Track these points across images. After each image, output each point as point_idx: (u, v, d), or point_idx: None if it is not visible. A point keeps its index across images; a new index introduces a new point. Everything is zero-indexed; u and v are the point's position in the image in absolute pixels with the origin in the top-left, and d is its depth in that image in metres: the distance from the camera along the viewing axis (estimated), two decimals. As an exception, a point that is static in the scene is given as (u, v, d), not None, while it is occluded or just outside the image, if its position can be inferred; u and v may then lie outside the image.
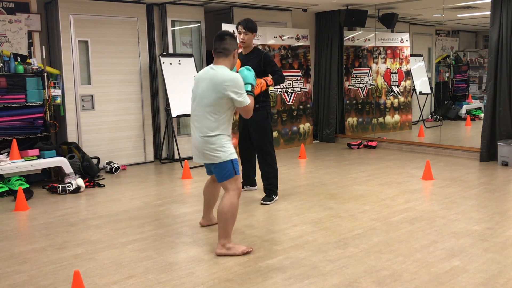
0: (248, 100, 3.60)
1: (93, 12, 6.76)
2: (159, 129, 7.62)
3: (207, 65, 4.18)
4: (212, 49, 3.73)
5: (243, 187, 5.48)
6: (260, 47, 7.98)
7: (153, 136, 7.57)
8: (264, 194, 5.16)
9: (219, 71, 3.60)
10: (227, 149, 3.60)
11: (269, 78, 4.84)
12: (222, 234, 3.63)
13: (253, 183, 5.58)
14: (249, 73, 3.79)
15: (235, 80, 3.54)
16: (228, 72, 3.59)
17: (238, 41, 4.93)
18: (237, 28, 4.98)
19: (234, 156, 3.62)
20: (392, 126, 9.70)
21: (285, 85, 8.38)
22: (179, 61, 7.35)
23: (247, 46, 4.97)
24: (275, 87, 5.00)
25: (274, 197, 5.11)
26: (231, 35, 3.73)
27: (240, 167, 5.13)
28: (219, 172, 3.62)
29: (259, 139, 5.02)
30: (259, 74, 4.89)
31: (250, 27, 4.89)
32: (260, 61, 4.91)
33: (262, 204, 5.01)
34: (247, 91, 3.67)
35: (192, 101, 3.76)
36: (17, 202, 5.03)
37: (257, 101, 4.83)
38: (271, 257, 3.61)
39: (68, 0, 6.52)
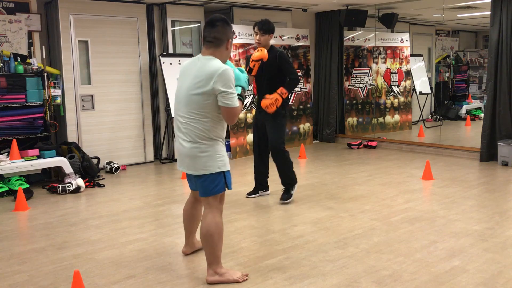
0: (237, 102, 3.03)
1: (93, 12, 6.76)
2: (159, 129, 7.61)
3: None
4: (202, 37, 3.23)
5: (255, 193, 5.29)
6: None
7: (153, 136, 7.57)
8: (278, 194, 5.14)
9: (208, 62, 3.04)
10: (221, 159, 3.08)
11: (284, 90, 4.73)
12: (212, 259, 3.14)
13: (267, 187, 5.37)
14: (241, 74, 3.22)
15: (225, 74, 2.97)
16: (218, 64, 3.01)
17: (254, 41, 4.90)
18: (253, 28, 4.92)
19: (228, 167, 3.12)
20: (392, 126, 9.69)
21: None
22: (179, 61, 7.34)
23: (264, 46, 4.84)
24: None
25: (292, 192, 5.10)
26: (224, 21, 3.13)
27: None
28: (207, 185, 3.08)
29: (274, 136, 4.91)
30: (274, 74, 4.84)
31: (266, 28, 4.80)
32: (275, 60, 4.79)
33: (282, 203, 5.01)
34: (237, 94, 3.10)
35: (176, 100, 3.17)
36: (17, 202, 5.03)
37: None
38: (271, 257, 3.61)
39: (68, 0, 6.52)
